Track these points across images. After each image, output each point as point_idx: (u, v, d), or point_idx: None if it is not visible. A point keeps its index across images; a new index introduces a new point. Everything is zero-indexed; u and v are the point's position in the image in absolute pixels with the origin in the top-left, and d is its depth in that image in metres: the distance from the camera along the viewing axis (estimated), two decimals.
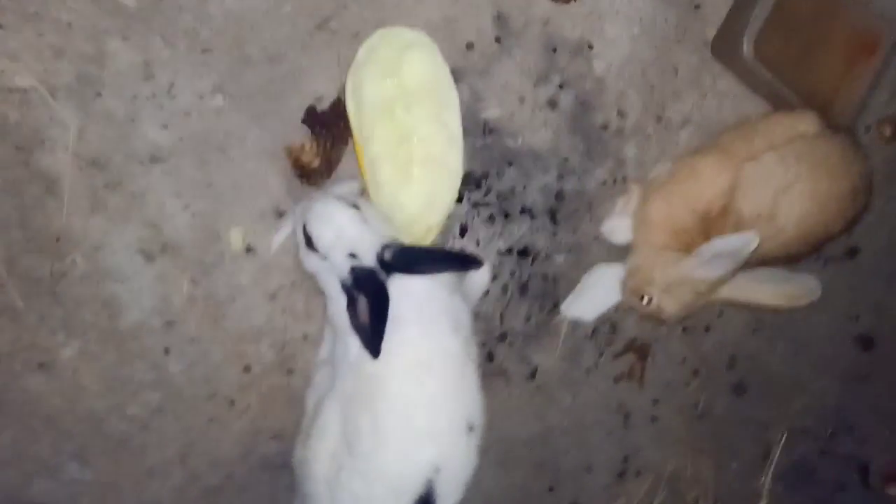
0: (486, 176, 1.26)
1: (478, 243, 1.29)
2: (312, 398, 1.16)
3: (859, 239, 1.51)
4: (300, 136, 1.13)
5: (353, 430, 1.01)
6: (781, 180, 1.12)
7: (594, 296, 1.28)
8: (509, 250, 1.31)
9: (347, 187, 1.16)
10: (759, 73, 1.25)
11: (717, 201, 1.15)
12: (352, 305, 0.99)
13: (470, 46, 1.20)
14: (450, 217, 1.23)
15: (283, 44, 1.10)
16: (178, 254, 1.13)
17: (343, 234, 0.99)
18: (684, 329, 1.45)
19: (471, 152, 1.24)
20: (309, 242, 1.01)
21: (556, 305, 1.35)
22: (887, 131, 1.47)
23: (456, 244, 1.28)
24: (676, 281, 1.16)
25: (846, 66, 1.34)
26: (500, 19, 1.21)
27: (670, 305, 1.18)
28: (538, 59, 1.24)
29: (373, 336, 0.95)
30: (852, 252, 1.53)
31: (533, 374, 1.36)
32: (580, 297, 1.29)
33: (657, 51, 1.31)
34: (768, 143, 1.15)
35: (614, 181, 1.34)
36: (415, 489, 0.99)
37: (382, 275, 0.99)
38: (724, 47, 1.31)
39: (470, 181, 1.25)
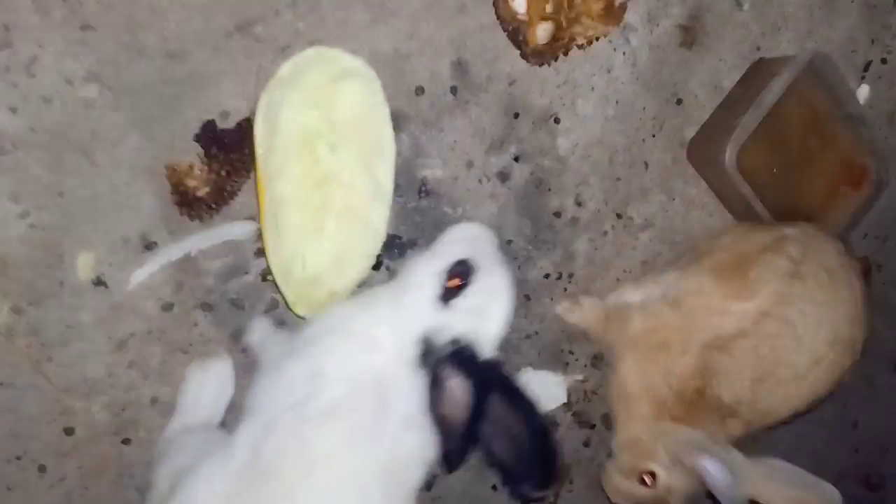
0: (413, 243, 1.06)
1: None
2: (166, 475, 0.88)
3: None
4: (190, 156, 0.91)
5: None
6: (756, 372, 0.97)
7: None
8: None
9: (239, 228, 0.94)
10: (736, 185, 1.11)
11: (688, 383, 0.98)
12: (436, 389, 0.75)
13: (420, 91, 1.01)
14: (361, 285, 1.02)
15: (190, 39, 0.89)
16: (2, 271, 0.88)
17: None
18: None
19: (400, 213, 1.04)
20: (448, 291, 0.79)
21: None
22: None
23: None
24: (677, 459, 0.96)
25: (829, 196, 1.22)
26: (460, 67, 1.03)
27: (681, 482, 0.97)
28: (496, 122, 1.06)
29: (464, 438, 0.73)
30: None
31: (429, 487, 1.14)
32: None
33: (629, 140, 1.15)
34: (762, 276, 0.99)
35: (559, 276, 1.15)
36: None
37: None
38: (701, 151, 1.17)
39: (393, 247, 1.05)
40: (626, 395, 1.06)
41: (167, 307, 0.95)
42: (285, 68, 0.88)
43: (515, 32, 0.99)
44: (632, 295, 1.13)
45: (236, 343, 1.00)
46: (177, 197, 0.88)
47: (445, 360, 0.76)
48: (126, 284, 0.92)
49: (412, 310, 0.79)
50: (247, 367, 0.99)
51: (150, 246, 0.92)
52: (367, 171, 0.95)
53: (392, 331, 0.78)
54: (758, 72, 1.17)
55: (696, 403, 1.00)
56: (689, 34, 1.15)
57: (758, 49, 1.20)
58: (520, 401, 0.75)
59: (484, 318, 0.79)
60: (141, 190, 0.90)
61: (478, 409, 0.73)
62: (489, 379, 0.75)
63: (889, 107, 1.31)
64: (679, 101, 1.17)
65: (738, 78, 1.19)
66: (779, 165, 1.16)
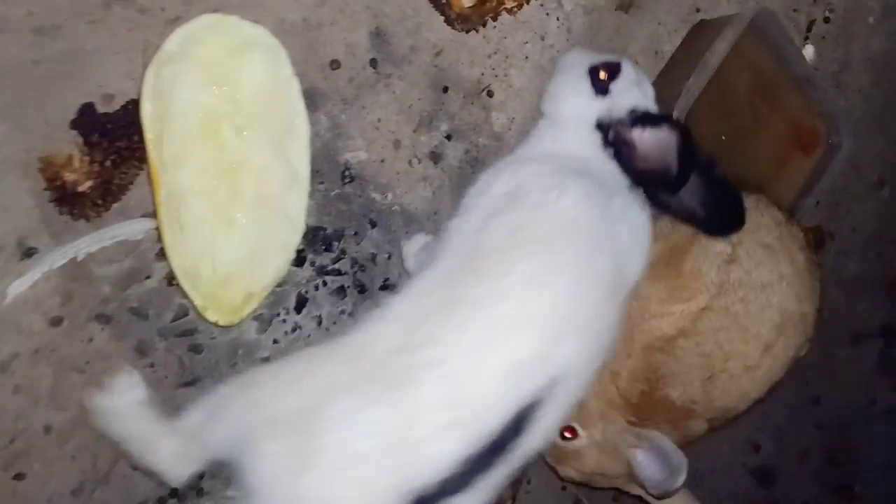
0: (339, 236, 0.96)
1: (320, 322, 0.97)
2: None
3: None
4: (68, 145, 0.79)
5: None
6: (705, 371, 0.89)
7: None
8: None
9: (134, 226, 0.83)
10: None
11: (633, 385, 0.90)
12: (626, 148, 0.80)
13: (335, 65, 0.91)
14: (282, 283, 0.91)
15: (64, 12, 0.77)
16: None
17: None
18: None
19: (322, 202, 0.94)
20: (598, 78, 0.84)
21: None
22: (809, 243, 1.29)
23: (288, 322, 0.95)
24: (612, 445, 0.88)
25: (779, 163, 1.16)
26: (380, 37, 0.93)
27: (588, 462, 0.89)
28: (423, 97, 0.97)
29: (681, 166, 0.76)
30: None
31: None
32: None
33: None
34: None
35: None
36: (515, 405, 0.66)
37: None
38: None
39: (317, 239, 0.94)
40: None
41: (55, 321, 0.83)
42: (173, 39, 0.77)
43: None
44: None
45: (141, 357, 0.88)
46: (55, 193, 0.76)
47: (627, 122, 0.81)
48: (3, 298, 0.80)
49: (577, 108, 0.84)
50: (155, 383, 0.88)
51: (29, 252, 0.80)
52: (279, 154, 0.85)
53: (570, 135, 0.84)
54: (699, 34, 1.11)
55: (644, 406, 0.92)
56: None
57: (697, 11, 1.14)
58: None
59: (642, 89, 0.86)
60: (13, 188, 0.78)
61: (683, 146, 0.76)
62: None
63: (834, 67, 1.26)
64: None
65: (678, 42, 1.12)
66: (726, 133, 1.10)
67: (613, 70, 0.85)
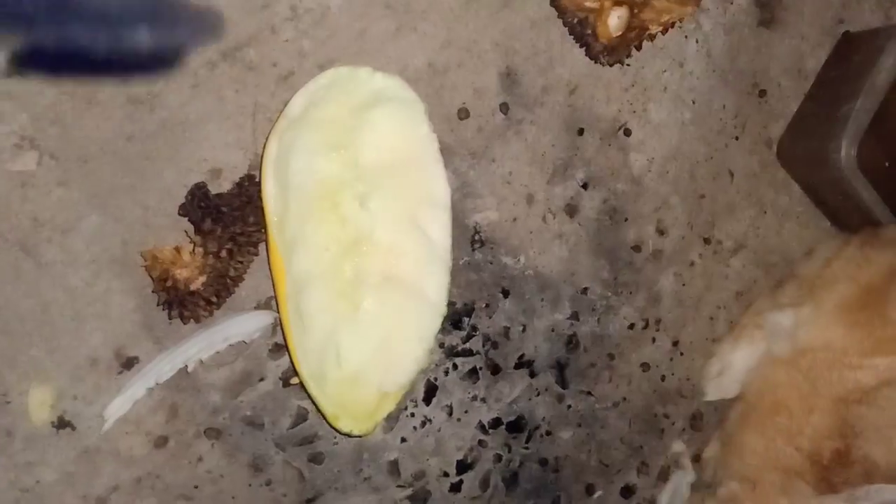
0: (469, 310, 0.82)
1: (450, 412, 0.83)
2: None
3: None
4: (173, 235, 0.65)
5: None
6: None
7: None
8: (495, 422, 0.85)
9: (251, 323, 0.69)
10: (854, 187, 0.89)
11: (823, 443, 0.76)
12: None
13: (463, 114, 0.78)
14: (420, 374, 0.77)
15: (163, 76, 0.64)
16: None
17: None
18: None
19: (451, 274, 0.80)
20: None
21: None
22: None
23: (416, 416, 0.81)
24: None
25: None
26: (510, 78, 0.79)
27: None
28: (557, 143, 0.83)
29: None
30: None
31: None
32: None
33: (710, 147, 0.93)
34: None
35: (645, 324, 0.92)
36: None
37: None
38: (798, 149, 0.96)
39: (446, 317, 0.80)
40: (743, 456, 0.84)
41: (160, 442, 0.69)
42: (297, 102, 0.63)
43: (580, 25, 0.76)
44: (732, 354, 0.92)
45: (257, 474, 0.74)
46: (163, 295, 0.62)
47: None
48: (100, 421, 0.66)
49: None
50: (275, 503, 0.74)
51: (128, 364, 0.67)
52: (413, 226, 0.71)
53: None
54: (849, 48, 0.97)
55: (838, 470, 0.78)
56: (767, 10, 0.94)
57: (840, 22, 1.00)
58: None
59: None
60: (109, 290, 0.65)
61: None
62: None
63: None
64: (762, 93, 0.96)
65: (822, 58, 0.98)
66: (891, 158, 0.95)
67: None
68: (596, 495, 0.93)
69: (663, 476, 0.96)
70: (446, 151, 0.77)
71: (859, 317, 0.81)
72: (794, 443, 0.80)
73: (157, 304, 0.63)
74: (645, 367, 0.93)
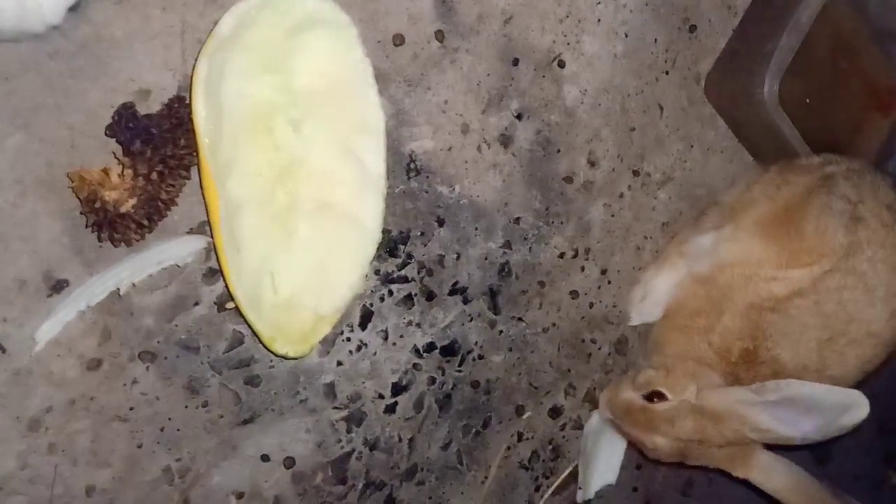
0: (405, 238, 0.84)
1: (386, 336, 0.85)
2: None
3: None
4: (101, 156, 0.64)
5: None
6: (823, 332, 0.80)
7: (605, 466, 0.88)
8: (429, 347, 0.88)
9: (183, 247, 0.69)
10: (775, 122, 0.93)
11: (733, 343, 0.81)
12: None
13: (398, 40, 0.78)
14: (355, 300, 0.79)
15: None
16: None
17: None
18: (638, 467, 1.09)
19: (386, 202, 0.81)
20: None
21: (486, 426, 0.94)
22: None
23: (352, 340, 0.83)
24: (712, 407, 0.79)
25: (857, 125, 1.07)
26: (446, 5, 0.79)
27: (684, 430, 0.80)
28: (492, 72, 0.84)
29: None
30: None
31: None
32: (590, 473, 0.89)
33: (641, 80, 0.96)
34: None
35: (574, 253, 0.95)
36: None
37: None
38: (725, 85, 0.99)
39: (381, 244, 0.82)
40: (663, 352, 0.90)
41: (93, 365, 0.70)
42: (227, 21, 0.62)
43: None
44: (655, 279, 0.96)
45: (193, 396, 0.75)
46: (91, 217, 0.61)
47: None
48: (31, 344, 0.66)
49: None
50: (210, 425, 0.76)
51: (58, 287, 0.66)
52: (347, 152, 0.72)
53: None
54: None
55: (746, 366, 0.84)
56: None
57: None
58: None
59: None
60: (35, 212, 0.64)
61: None
62: None
63: None
64: (692, 28, 0.98)
65: None
66: (811, 95, 1.00)
67: None
68: (525, 416, 0.97)
69: (589, 398, 1.02)
70: (381, 78, 0.77)
71: (777, 231, 0.85)
72: (706, 339, 0.85)
73: (86, 227, 0.63)
74: (574, 294, 0.96)
